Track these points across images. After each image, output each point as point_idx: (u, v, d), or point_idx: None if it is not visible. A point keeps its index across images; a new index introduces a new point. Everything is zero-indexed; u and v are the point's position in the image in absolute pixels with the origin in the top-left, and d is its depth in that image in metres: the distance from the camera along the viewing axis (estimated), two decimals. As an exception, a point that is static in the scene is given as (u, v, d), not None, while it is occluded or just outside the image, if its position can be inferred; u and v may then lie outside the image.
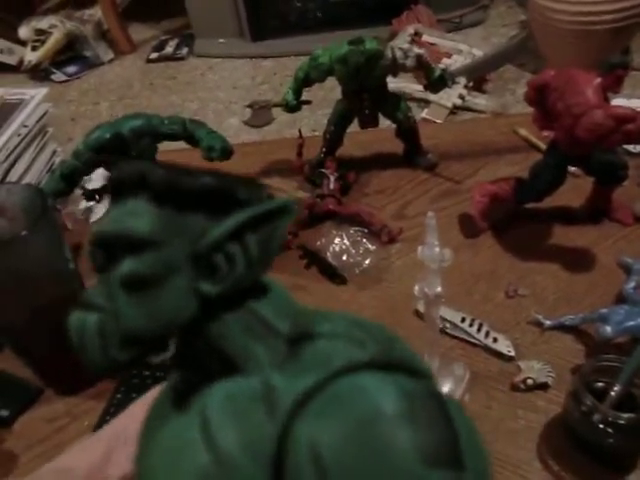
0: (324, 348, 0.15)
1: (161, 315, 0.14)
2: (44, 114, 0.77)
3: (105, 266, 0.15)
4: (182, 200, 0.15)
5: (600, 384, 0.43)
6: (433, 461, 0.13)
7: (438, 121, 1.62)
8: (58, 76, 2.14)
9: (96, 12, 2.23)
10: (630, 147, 0.71)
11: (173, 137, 0.58)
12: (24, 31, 2.14)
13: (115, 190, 0.15)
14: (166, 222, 0.14)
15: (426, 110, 1.67)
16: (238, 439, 0.14)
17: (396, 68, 0.66)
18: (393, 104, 0.71)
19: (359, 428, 0.13)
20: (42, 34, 2.09)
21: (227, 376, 0.15)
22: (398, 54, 0.65)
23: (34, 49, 2.09)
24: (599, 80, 0.52)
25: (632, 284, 0.54)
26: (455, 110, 1.67)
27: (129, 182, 0.15)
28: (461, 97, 1.66)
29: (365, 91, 0.69)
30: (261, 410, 0.14)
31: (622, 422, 0.40)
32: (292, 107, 0.71)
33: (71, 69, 2.17)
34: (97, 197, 0.58)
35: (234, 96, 1.96)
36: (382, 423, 0.14)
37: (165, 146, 0.61)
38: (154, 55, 2.26)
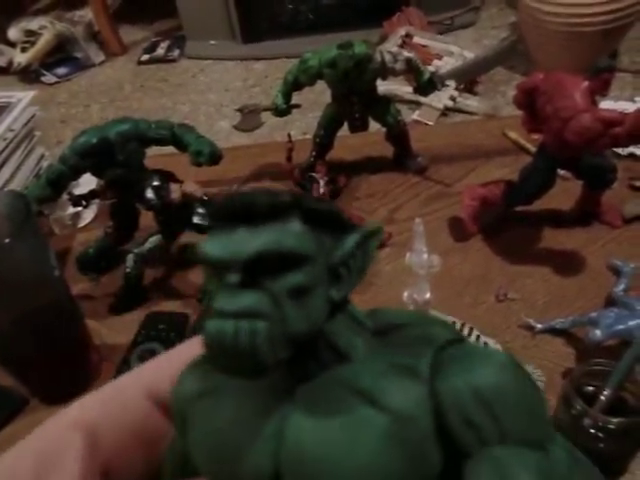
0: (415, 334, 0.18)
1: (313, 318, 0.17)
2: (31, 118, 0.76)
3: (249, 280, 0.17)
4: (321, 222, 0.18)
5: (590, 388, 0.43)
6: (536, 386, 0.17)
7: (429, 123, 1.63)
8: (48, 78, 2.13)
9: (87, 13, 2.21)
10: (619, 150, 0.71)
11: (161, 142, 0.57)
12: (13, 32, 2.13)
13: (262, 213, 0.17)
14: (315, 240, 0.17)
15: (417, 112, 1.67)
16: (406, 398, 0.16)
17: (385, 72, 0.66)
18: (383, 108, 0.71)
19: (500, 371, 0.16)
20: (32, 35, 2.08)
21: (338, 365, 0.18)
22: (387, 58, 0.65)
23: (24, 50, 2.07)
24: (587, 84, 0.52)
25: (622, 287, 0.54)
26: (446, 112, 1.68)
27: (284, 207, 0.17)
28: (452, 99, 1.66)
29: (355, 95, 0.69)
30: (409, 378, 0.16)
31: (612, 427, 0.40)
32: (281, 111, 0.70)
33: (61, 71, 2.16)
34: (84, 203, 0.57)
35: (225, 98, 1.95)
36: (511, 368, 0.16)
37: (154, 151, 0.61)
38: (145, 57, 2.25)
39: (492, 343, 0.52)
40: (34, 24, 2.11)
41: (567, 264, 0.59)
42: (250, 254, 0.17)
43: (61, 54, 2.18)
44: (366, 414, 0.16)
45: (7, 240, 0.40)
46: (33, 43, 2.07)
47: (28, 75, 2.14)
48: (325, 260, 0.18)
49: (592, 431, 0.40)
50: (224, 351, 0.17)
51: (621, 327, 0.47)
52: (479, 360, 0.16)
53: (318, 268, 0.17)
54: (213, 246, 0.18)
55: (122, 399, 0.22)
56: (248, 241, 0.17)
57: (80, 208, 0.62)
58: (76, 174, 0.55)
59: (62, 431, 0.20)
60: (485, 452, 0.15)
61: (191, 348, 0.22)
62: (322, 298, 0.17)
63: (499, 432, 0.15)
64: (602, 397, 0.41)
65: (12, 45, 2.14)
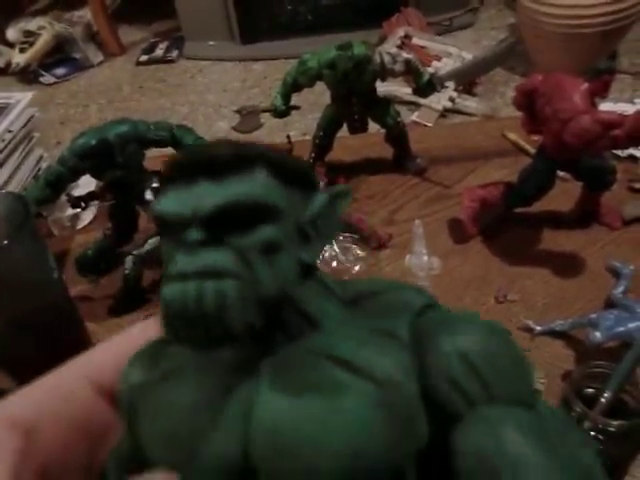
0: (388, 300, 0.18)
1: (285, 280, 0.16)
2: (30, 119, 0.76)
3: (215, 236, 0.15)
4: (289, 178, 0.16)
5: (590, 390, 0.43)
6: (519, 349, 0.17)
7: (428, 124, 1.63)
8: (47, 78, 2.13)
9: (85, 14, 2.21)
10: (618, 151, 0.71)
11: (160, 143, 0.57)
12: (12, 33, 2.12)
13: (222, 165, 0.16)
14: (286, 196, 0.16)
15: (416, 113, 1.67)
16: (390, 364, 0.15)
17: (384, 73, 0.66)
18: (382, 109, 0.71)
19: (487, 329, 0.16)
20: (30, 36, 2.08)
21: (308, 335, 0.17)
22: (386, 59, 0.65)
23: (22, 51, 2.07)
24: (586, 86, 0.52)
25: (621, 288, 0.54)
26: (445, 113, 1.68)
27: (248, 158, 0.16)
28: (451, 100, 1.66)
29: (354, 96, 0.69)
30: (389, 342, 0.16)
31: (612, 429, 0.40)
32: (281, 112, 0.70)
33: (60, 71, 2.16)
34: (83, 204, 0.57)
35: (224, 99, 1.95)
36: (494, 332, 0.16)
37: (153, 152, 0.60)
38: (144, 57, 2.25)
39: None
40: (33, 25, 2.11)
41: (566, 266, 0.59)
42: (214, 207, 0.15)
43: (60, 55, 2.18)
44: (349, 383, 0.15)
45: (5, 242, 0.40)
46: (32, 44, 2.07)
47: (27, 76, 2.13)
48: (295, 218, 0.16)
49: (592, 433, 0.40)
50: (186, 318, 0.15)
51: (621, 329, 0.47)
52: (462, 324, 0.16)
53: (288, 225, 0.16)
54: (169, 201, 0.16)
55: (63, 391, 0.20)
56: (211, 194, 0.15)
57: (79, 210, 0.62)
58: (75, 175, 0.55)
59: None
60: (475, 412, 0.15)
61: (138, 333, 0.21)
62: (293, 259, 0.16)
63: (488, 395, 0.15)
64: (602, 399, 0.41)
65: (11, 46, 2.14)
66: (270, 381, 0.16)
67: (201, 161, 0.16)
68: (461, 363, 0.15)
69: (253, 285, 0.15)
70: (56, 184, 0.55)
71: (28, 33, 2.08)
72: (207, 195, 0.15)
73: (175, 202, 0.16)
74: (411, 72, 0.68)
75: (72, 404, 0.20)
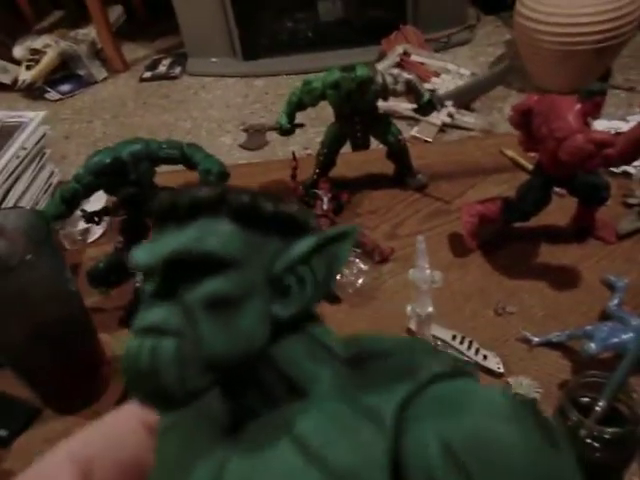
0: (397, 364, 0.15)
1: (242, 339, 0.14)
2: (42, 136, 0.78)
3: (169, 289, 0.14)
4: (260, 222, 0.15)
5: (586, 399, 0.45)
6: (554, 443, 0.13)
7: (428, 139, 1.66)
8: (52, 95, 2.16)
9: (90, 32, 2.26)
10: (612, 168, 0.73)
11: (171, 161, 0.59)
12: (19, 50, 2.16)
13: (185, 211, 0.15)
14: (247, 242, 0.14)
15: (416, 128, 1.70)
16: (353, 454, 0.13)
17: (386, 93, 0.69)
18: (384, 127, 0.73)
19: (486, 419, 0.13)
20: (36, 53, 2.12)
21: (292, 400, 0.15)
22: (388, 80, 0.68)
23: (28, 68, 2.11)
24: (579, 106, 0.54)
25: (616, 301, 0.56)
26: (444, 128, 1.71)
27: (207, 202, 0.14)
28: (450, 115, 1.69)
29: (357, 115, 0.71)
30: (366, 425, 0.13)
31: (607, 437, 0.41)
32: (286, 130, 0.73)
33: (65, 87, 2.19)
34: (96, 219, 0.59)
35: (227, 115, 1.98)
36: (503, 414, 0.13)
37: (162, 168, 0.63)
38: (147, 74, 2.29)
39: (491, 356, 0.53)
40: (38, 42, 2.15)
41: (563, 279, 0.61)
42: (164, 257, 0.14)
43: (65, 71, 2.22)
44: (296, 465, 0.13)
45: (28, 257, 0.42)
46: (37, 61, 2.11)
47: (32, 92, 2.17)
48: (265, 267, 0.15)
49: (588, 441, 0.42)
50: (128, 375, 0.15)
51: (615, 340, 0.49)
52: (466, 403, 0.13)
53: (250, 276, 0.14)
54: (141, 250, 0.15)
55: (118, 433, 0.21)
56: (167, 243, 0.15)
57: (91, 224, 0.64)
58: (90, 192, 0.57)
59: (57, 466, 0.20)
60: None
61: None
62: (257, 314, 0.14)
63: None
64: (597, 408, 0.43)
65: (17, 63, 2.18)
66: (241, 449, 0.14)
67: (166, 209, 0.15)
68: (442, 455, 0.13)
69: (197, 345, 0.14)
70: (71, 200, 0.57)
71: (34, 51, 2.12)
72: (165, 244, 0.15)
73: (144, 251, 0.15)
74: (412, 92, 0.70)
75: (125, 447, 0.21)
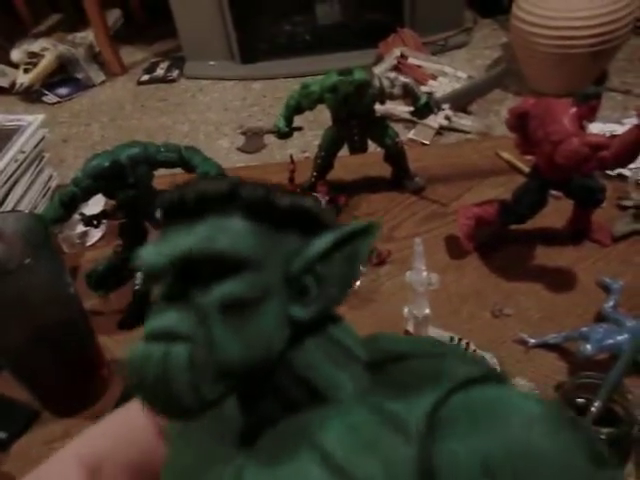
0: (422, 368, 0.14)
1: (258, 343, 0.13)
2: (41, 140, 0.78)
3: (179, 291, 0.13)
4: (276, 218, 0.14)
5: (581, 400, 0.45)
6: (596, 459, 0.12)
7: (425, 141, 1.66)
8: (50, 98, 2.17)
9: (88, 35, 2.26)
10: (608, 170, 0.74)
11: (169, 164, 0.60)
12: (16, 54, 2.17)
13: (192, 207, 0.14)
14: (263, 241, 0.13)
15: (413, 131, 1.71)
16: (378, 466, 0.12)
17: (383, 96, 0.69)
18: (381, 130, 0.74)
19: (522, 431, 0.12)
20: (34, 57, 2.12)
21: (312, 407, 0.14)
22: (385, 83, 0.68)
23: (26, 71, 2.11)
24: (575, 110, 0.55)
25: (611, 303, 0.56)
26: (441, 130, 1.71)
27: (216, 197, 0.13)
28: (447, 118, 1.70)
29: (354, 118, 0.72)
30: (391, 435, 0.13)
31: (602, 437, 0.42)
32: (284, 134, 0.73)
33: (63, 91, 2.20)
34: (95, 223, 0.60)
35: (225, 118, 1.99)
36: (541, 425, 0.12)
37: (160, 171, 0.63)
38: (145, 77, 2.29)
39: (488, 357, 0.54)
40: (36, 46, 2.16)
41: (559, 281, 0.62)
42: (174, 257, 0.13)
43: (62, 75, 2.22)
44: (318, 478, 0.12)
45: (27, 261, 0.42)
46: (35, 64, 2.11)
47: (30, 95, 2.17)
48: (282, 267, 0.14)
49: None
50: (137, 382, 0.13)
51: (610, 342, 0.49)
52: (500, 412, 0.12)
53: (267, 276, 0.14)
54: (148, 250, 0.14)
55: (127, 432, 0.20)
56: (178, 243, 0.14)
57: (89, 227, 0.64)
58: (88, 195, 0.58)
59: (65, 467, 0.19)
60: None
61: None
62: (275, 316, 0.13)
63: None
64: (593, 409, 0.43)
65: (15, 66, 2.18)
66: (258, 458, 0.14)
67: (175, 203, 0.14)
68: (477, 469, 0.12)
69: (211, 351, 0.13)
70: (70, 204, 0.57)
71: (32, 54, 2.12)
72: (175, 244, 0.14)
73: (152, 251, 0.14)
74: (409, 95, 0.71)
75: (132, 447, 0.20)
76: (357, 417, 0.13)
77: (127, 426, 0.21)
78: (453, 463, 0.12)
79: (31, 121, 0.78)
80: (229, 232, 0.13)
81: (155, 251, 0.14)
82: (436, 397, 0.13)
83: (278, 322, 0.13)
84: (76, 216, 0.62)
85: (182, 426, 0.17)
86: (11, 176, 0.72)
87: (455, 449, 0.12)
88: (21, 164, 0.73)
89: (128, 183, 0.57)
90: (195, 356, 0.13)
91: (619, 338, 0.49)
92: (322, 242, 0.14)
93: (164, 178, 0.67)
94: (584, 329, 0.51)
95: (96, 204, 0.71)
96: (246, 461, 0.14)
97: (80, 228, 0.72)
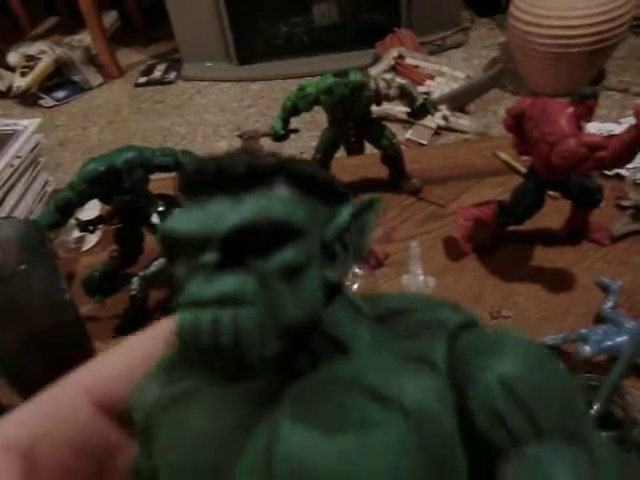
0: (421, 319, 0.16)
1: (309, 304, 0.14)
2: (37, 145, 0.78)
3: (232, 259, 0.14)
4: (315, 191, 0.15)
5: (581, 402, 0.45)
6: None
7: (423, 142, 1.66)
8: (47, 101, 2.16)
9: (85, 38, 2.26)
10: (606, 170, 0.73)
11: (165, 168, 0.59)
12: (13, 57, 2.16)
13: (240, 180, 0.14)
14: (307, 210, 0.15)
15: (410, 131, 1.70)
16: (425, 394, 0.13)
17: (380, 98, 0.69)
18: (378, 131, 0.73)
19: (533, 354, 0.14)
20: (31, 60, 2.12)
21: (334, 359, 0.15)
22: (381, 85, 0.68)
23: (23, 75, 2.11)
24: (571, 109, 0.54)
25: (610, 304, 0.56)
26: (439, 131, 1.71)
27: (265, 171, 0.14)
28: (444, 118, 1.70)
29: (351, 120, 0.71)
30: (425, 371, 0.14)
31: (602, 439, 0.42)
32: (280, 136, 0.73)
33: (60, 94, 2.19)
34: (91, 228, 0.59)
35: (222, 119, 1.98)
36: (540, 349, 0.15)
37: (156, 175, 0.63)
38: (142, 79, 2.29)
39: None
40: (33, 49, 2.15)
41: (558, 282, 0.62)
42: (231, 227, 0.14)
43: (59, 78, 2.22)
44: (379, 418, 0.13)
45: (23, 267, 0.42)
46: (32, 68, 2.11)
47: (27, 99, 2.17)
48: (319, 235, 0.15)
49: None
50: (201, 348, 0.14)
51: (609, 343, 0.49)
52: (506, 348, 0.14)
53: (312, 243, 0.15)
54: (182, 220, 0.14)
55: (61, 410, 0.19)
56: (228, 212, 0.14)
57: (85, 233, 0.64)
58: (84, 200, 0.57)
59: None
60: (522, 452, 0.13)
61: (138, 344, 0.20)
62: (317, 279, 0.15)
63: (535, 430, 0.13)
64: (592, 411, 0.43)
65: (12, 70, 2.18)
66: (293, 414, 0.14)
67: (215, 176, 0.14)
68: (504, 394, 0.13)
69: (274, 313, 0.14)
70: (65, 209, 0.57)
71: (29, 57, 2.12)
72: (223, 214, 0.14)
73: (188, 221, 0.14)
74: (405, 96, 0.70)
75: (71, 424, 0.19)
76: (383, 357, 0.15)
77: (60, 403, 0.19)
78: (483, 391, 0.13)
79: (27, 125, 0.78)
80: (284, 202, 0.14)
81: (194, 221, 0.14)
82: (444, 340, 0.15)
83: (319, 284, 0.15)
84: (72, 221, 0.61)
85: (179, 390, 0.16)
86: (6, 182, 0.72)
87: (483, 378, 0.13)
88: (16, 169, 0.73)
89: (124, 188, 0.57)
90: (263, 318, 0.14)
91: (618, 340, 0.49)
92: (346, 213, 0.15)
93: (160, 182, 0.66)
94: (583, 330, 0.51)
95: (92, 209, 0.70)
96: (276, 420, 0.14)
97: (76, 233, 0.72)
